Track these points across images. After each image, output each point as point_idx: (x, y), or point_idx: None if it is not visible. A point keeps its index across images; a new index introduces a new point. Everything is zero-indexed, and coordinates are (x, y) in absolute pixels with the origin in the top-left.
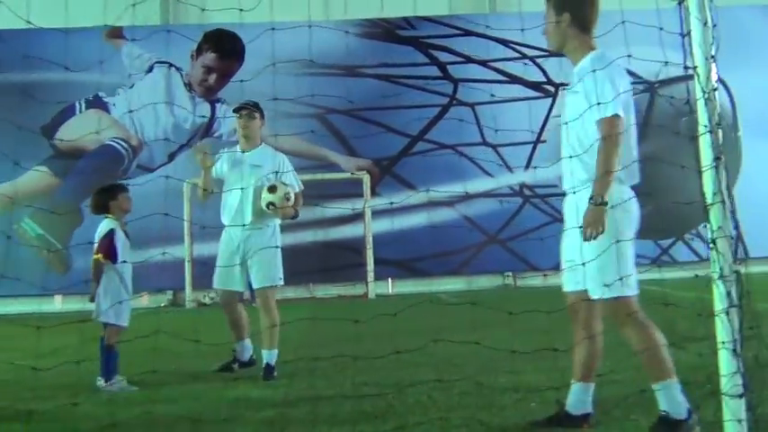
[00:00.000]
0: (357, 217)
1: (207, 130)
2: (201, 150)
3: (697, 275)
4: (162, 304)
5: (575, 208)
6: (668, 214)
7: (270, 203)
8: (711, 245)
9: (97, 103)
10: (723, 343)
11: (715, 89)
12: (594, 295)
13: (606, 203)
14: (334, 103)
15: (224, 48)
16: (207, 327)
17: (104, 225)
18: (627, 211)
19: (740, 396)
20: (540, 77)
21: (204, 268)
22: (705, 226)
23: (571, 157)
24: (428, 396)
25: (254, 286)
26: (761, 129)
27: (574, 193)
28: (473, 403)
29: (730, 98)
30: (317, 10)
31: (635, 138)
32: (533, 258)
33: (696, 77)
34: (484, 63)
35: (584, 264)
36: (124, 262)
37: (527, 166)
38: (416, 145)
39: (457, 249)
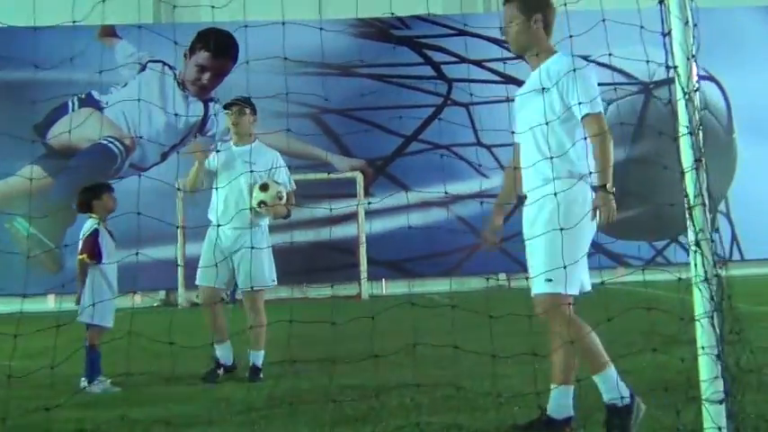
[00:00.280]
0: (351, 217)
1: (200, 128)
2: (198, 148)
3: (680, 279)
4: (155, 304)
5: (537, 206)
6: (662, 216)
7: (261, 202)
8: (694, 247)
9: (90, 102)
10: (703, 348)
11: (696, 89)
12: (536, 290)
13: (614, 194)
14: (331, 102)
15: (217, 46)
16: (199, 327)
17: (88, 225)
18: (585, 209)
19: (720, 402)
20: None
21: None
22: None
23: (552, 158)
24: (410, 399)
25: (242, 287)
26: (756, 130)
27: (536, 189)
28: (455, 406)
29: (726, 100)
30: (310, 9)
31: None
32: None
33: (677, 77)
34: (478, 63)
35: (565, 267)
36: (109, 263)
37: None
38: (410, 145)
39: (450, 250)
